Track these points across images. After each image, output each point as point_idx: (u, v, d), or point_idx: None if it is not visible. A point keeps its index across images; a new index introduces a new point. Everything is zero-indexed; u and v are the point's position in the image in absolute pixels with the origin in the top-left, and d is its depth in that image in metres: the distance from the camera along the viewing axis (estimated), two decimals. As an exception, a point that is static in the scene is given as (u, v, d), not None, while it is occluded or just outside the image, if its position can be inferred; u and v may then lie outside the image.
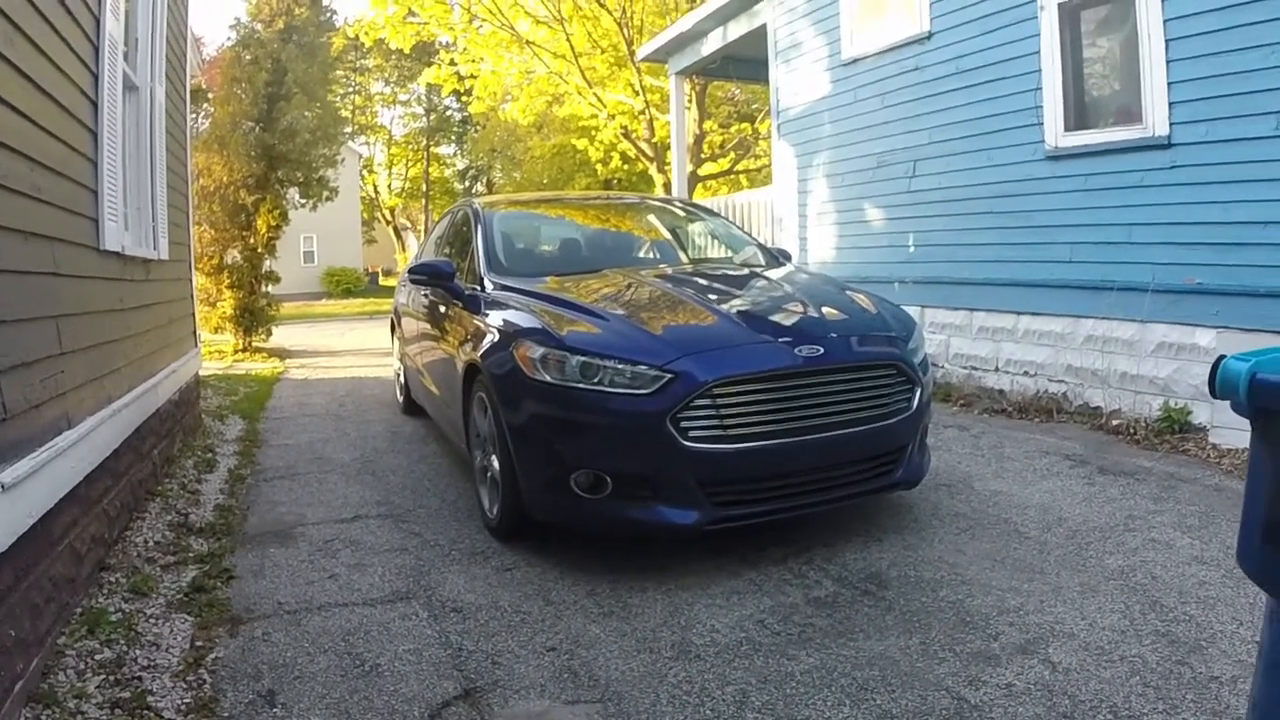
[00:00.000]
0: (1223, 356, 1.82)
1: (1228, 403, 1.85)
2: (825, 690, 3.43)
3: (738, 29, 13.45)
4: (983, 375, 9.01)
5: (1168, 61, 6.87)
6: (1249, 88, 6.36)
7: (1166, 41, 6.85)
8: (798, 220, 12.05)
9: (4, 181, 3.65)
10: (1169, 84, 6.89)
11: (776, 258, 7.29)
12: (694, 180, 21.98)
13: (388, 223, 57.70)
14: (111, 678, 3.60)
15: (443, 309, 6.71)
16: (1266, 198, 6.32)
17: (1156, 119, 6.99)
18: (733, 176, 28.91)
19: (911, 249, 9.90)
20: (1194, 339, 6.88)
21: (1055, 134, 7.96)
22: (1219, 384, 1.82)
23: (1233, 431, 6.36)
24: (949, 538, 5.05)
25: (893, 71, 10.02)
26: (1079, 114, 7.90)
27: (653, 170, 23.58)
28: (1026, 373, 8.48)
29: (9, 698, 3.11)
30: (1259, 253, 6.38)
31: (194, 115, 13.37)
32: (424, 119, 57.69)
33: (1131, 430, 7.09)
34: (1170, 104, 6.89)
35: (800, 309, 5.38)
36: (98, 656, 3.77)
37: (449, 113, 57.69)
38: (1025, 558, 4.70)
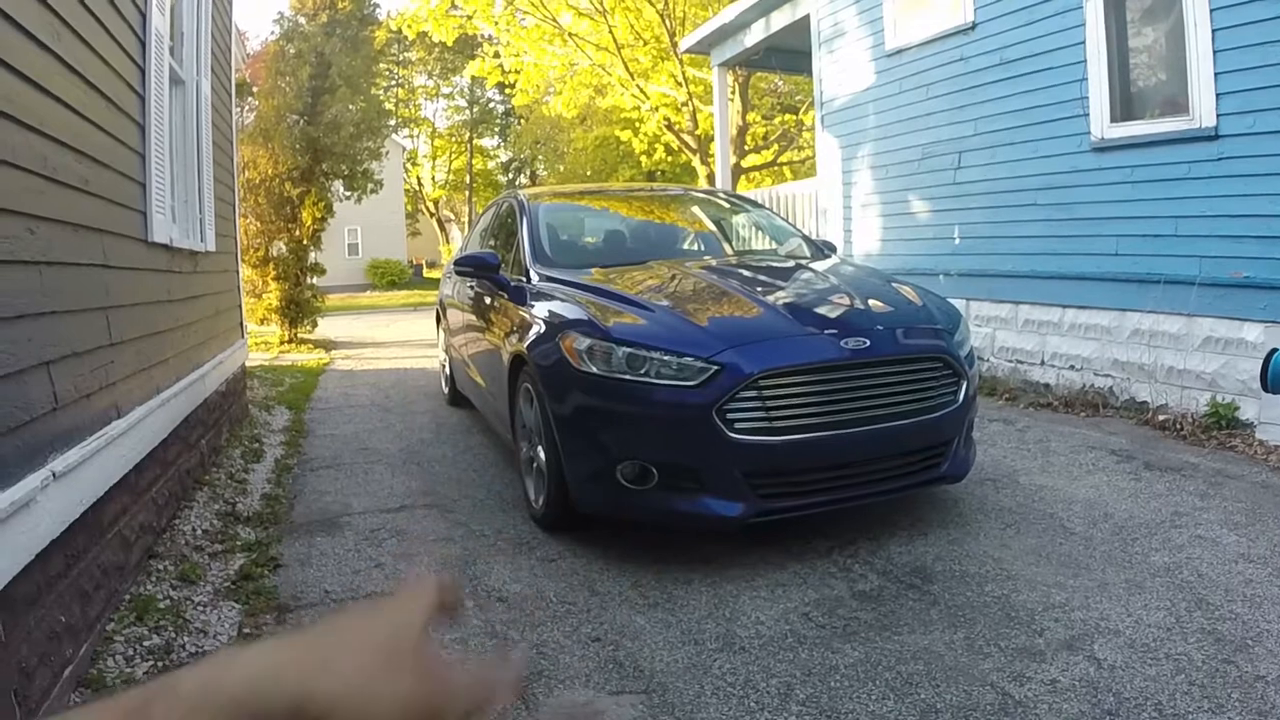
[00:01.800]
0: (1275, 350, 1.81)
1: (1277, 397, 1.84)
2: (869, 684, 3.43)
3: (780, 19, 13.39)
4: (1028, 369, 8.96)
5: (1215, 52, 6.78)
6: (1299, 78, 6.28)
7: (1213, 31, 6.76)
8: (842, 212, 11.99)
9: (54, 174, 3.70)
10: (1216, 74, 6.79)
11: (821, 249, 7.27)
12: (737, 172, 21.98)
13: (431, 215, 57.88)
14: (160, 664, 3.65)
15: (488, 300, 6.74)
16: (1315, 190, 6.25)
17: (1204, 110, 6.90)
18: (776, 168, 28.85)
19: (956, 241, 9.83)
20: (1241, 333, 6.80)
21: (1101, 125, 7.89)
22: (1271, 377, 1.81)
23: (1282, 427, 6.29)
24: (994, 532, 5.03)
25: (937, 62, 9.95)
26: (1125, 105, 7.82)
27: (696, 162, 23.59)
28: (1072, 366, 8.41)
29: (59, 682, 3.17)
30: (1308, 246, 6.30)
31: (239, 109, 13.47)
32: (467, 111, 57.88)
33: (1178, 425, 7.02)
34: (1218, 95, 6.80)
35: (846, 301, 5.37)
36: (146, 643, 3.82)
37: (492, 105, 57.86)
38: (1071, 553, 4.67)
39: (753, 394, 4.51)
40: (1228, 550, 4.61)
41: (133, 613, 4.05)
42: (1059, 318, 8.55)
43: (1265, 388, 1.82)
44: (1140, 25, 7.82)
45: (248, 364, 10.26)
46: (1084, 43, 7.97)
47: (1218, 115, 6.82)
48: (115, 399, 4.39)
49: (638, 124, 25.50)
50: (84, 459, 3.65)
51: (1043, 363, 8.78)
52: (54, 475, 3.27)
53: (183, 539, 5.17)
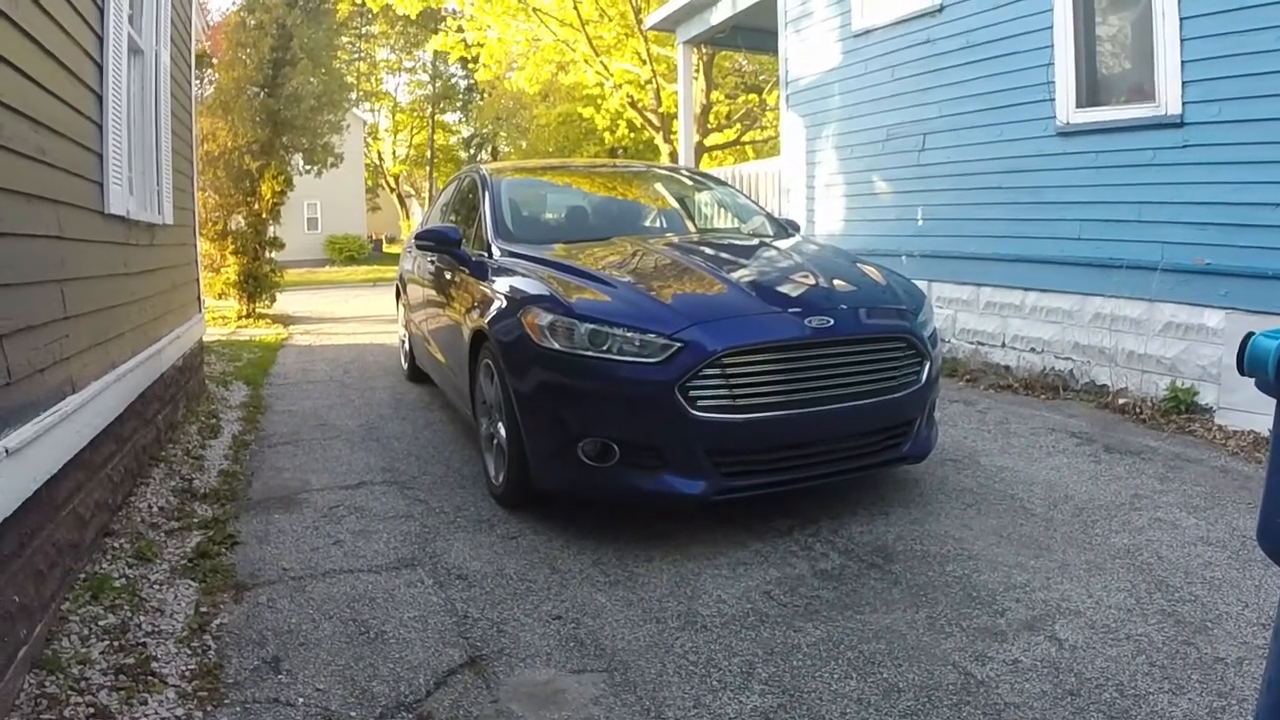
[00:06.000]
0: (1251, 333, 1.79)
1: (1239, 383, 1.83)
2: (832, 663, 3.43)
3: (748, -2, 13.35)
4: (989, 351, 8.99)
5: (1182, 40, 6.79)
6: (1262, 68, 6.29)
7: (1181, 19, 6.78)
8: (805, 191, 11.99)
9: (8, 144, 3.61)
10: (1183, 62, 6.81)
11: (785, 228, 7.26)
12: (700, 150, 21.97)
13: (392, 190, 57.50)
14: (115, 644, 3.59)
15: (449, 275, 6.68)
16: (1278, 179, 6.28)
17: (1169, 97, 6.93)
18: (739, 147, 28.87)
19: (920, 223, 9.85)
20: (1202, 319, 6.84)
21: (1067, 110, 7.91)
22: (1247, 360, 1.79)
23: (1239, 414, 6.33)
24: (955, 513, 5.04)
25: (903, 44, 9.94)
26: (1091, 90, 7.84)
27: (659, 140, 23.57)
28: (1033, 349, 8.45)
29: (13, 664, 3.10)
30: (1270, 234, 6.33)
31: (198, 80, 13.30)
32: (429, 86, 57.44)
33: (1138, 409, 7.07)
34: (1184, 82, 6.83)
35: (810, 280, 5.36)
36: (102, 622, 3.76)
37: (454, 80, 57.49)
38: (1032, 534, 4.69)
39: (716, 372, 4.49)
40: (1187, 533, 4.65)
41: (88, 592, 3.99)
42: (1021, 300, 8.58)
43: (1241, 370, 1.80)
44: (1108, 12, 7.83)
45: (205, 339, 10.14)
46: (1051, 28, 7.98)
47: (1183, 103, 6.85)
48: (70, 374, 4.32)
49: (600, 101, 25.39)
50: (37, 435, 3.58)
51: (1004, 345, 8.81)
52: (6, 452, 3.19)
53: (139, 516, 5.10)
